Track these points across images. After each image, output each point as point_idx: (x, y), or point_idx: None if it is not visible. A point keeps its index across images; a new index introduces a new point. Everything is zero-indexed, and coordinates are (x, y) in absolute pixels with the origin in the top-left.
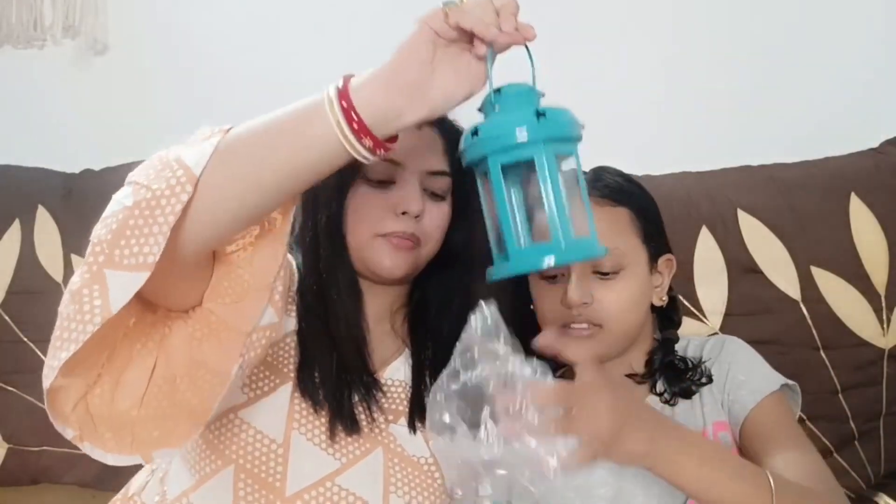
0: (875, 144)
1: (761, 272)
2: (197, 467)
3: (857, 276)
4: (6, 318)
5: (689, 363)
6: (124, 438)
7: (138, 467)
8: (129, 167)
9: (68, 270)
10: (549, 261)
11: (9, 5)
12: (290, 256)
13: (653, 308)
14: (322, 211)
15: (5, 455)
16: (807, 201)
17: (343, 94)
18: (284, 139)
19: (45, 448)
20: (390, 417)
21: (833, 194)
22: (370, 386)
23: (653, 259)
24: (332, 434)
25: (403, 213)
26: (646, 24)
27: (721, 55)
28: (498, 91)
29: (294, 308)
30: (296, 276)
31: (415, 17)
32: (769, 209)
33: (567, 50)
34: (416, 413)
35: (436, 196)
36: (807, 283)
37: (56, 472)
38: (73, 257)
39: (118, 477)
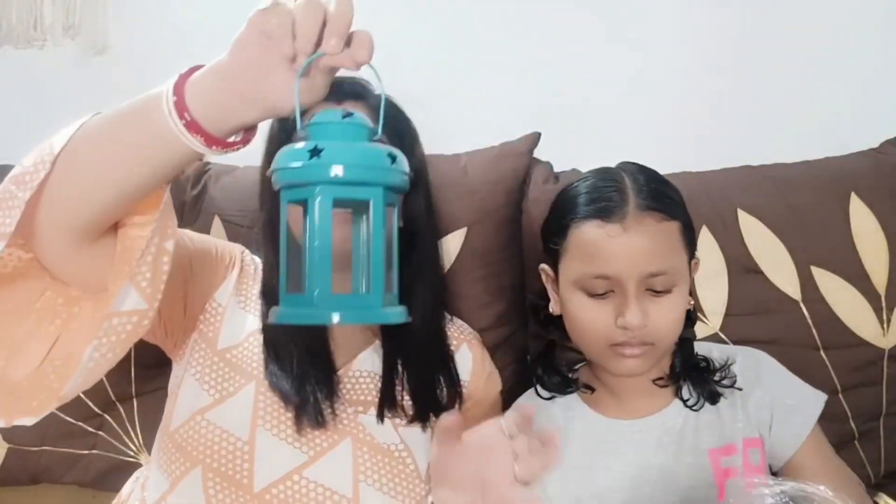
0: (875, 144)
1: (761, 272)
2: (169, 471)
3: (857, 276)
4: None
5: (713, 364)
6: (2, 403)
7: (136, 469)
8: None
9: None
10: (336, 317)
11: (9, 5)
12: (255, 257)
13: None
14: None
15: (5, 455)
16: (807, 201)
17: (178, 87)
18: (126, 130)
19: (45, 448)
20: (360, 408)
21: (833, 194)
22: (332, 382)
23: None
24: (298, 428)
25: None
26: (645, 25)
27: (721, 55)
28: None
29: (258, 307)
30: (258, 275)
31: (415, 17)
32: (769, 209)
33: (567, 50)
34: (386, 403)
35: None
36: (807, 282)
37: (56, 472)
38: None
39: (118, 477)
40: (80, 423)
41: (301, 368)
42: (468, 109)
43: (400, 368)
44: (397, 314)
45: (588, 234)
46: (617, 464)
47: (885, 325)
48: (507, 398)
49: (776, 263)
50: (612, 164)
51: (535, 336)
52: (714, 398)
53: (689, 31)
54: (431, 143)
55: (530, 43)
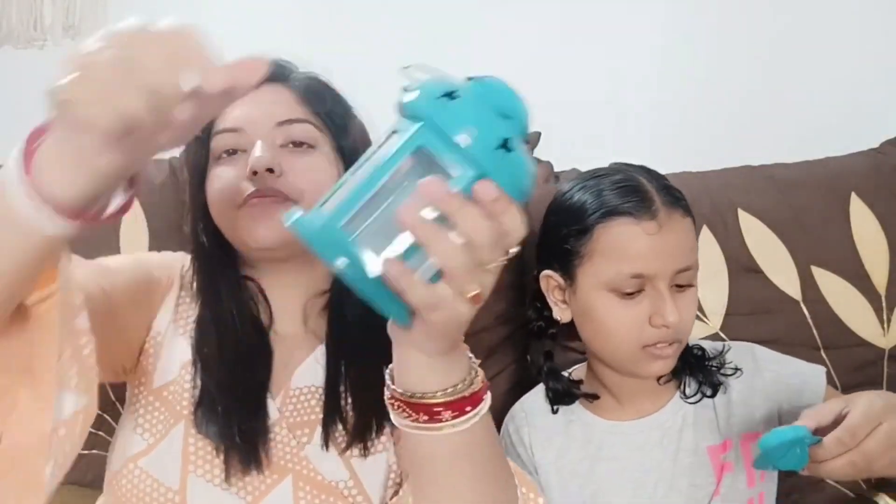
0: (875, 144)
1: (762, 272)
2: None
3: (857, 276)
4: None
5: (707, 353)
6: None
7: None
8: None
9: None
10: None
11: (9, 5)
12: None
13: None
14: (194, 219)
15: None
16: (807, 201)
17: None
18: None
19: None
20: (304, 435)
21: (833, 194)
22: (265, 418)
23: None
24: (227, 474)
25: (254, 174)
26: (645, 24)
27: (721, 55)
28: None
29: (191, 335)
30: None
31: (415, 17)
32: (769, 209)
33: (567, 50)
34: (329, 421)
35: (298, 145)
36: (807, 282)
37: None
38: (73, 257)
39: None
40: None
41: (229, 403)
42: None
43: (346, 381)
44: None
45: (622, 233)
46: (617, 467)
47: (885, 326)
48: (507, 398)
49: (776, 263)
50: (612, 164)
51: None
52: (715, 389)
53: (689, 32)
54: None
55: (530, 42)
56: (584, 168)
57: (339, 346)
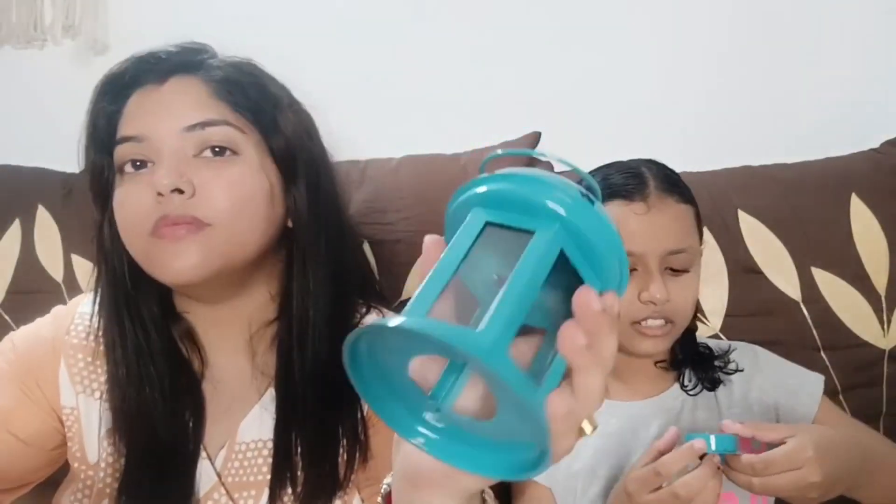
0: (875, 144)
1: (762, 273)
2: None
3: (857, 276)
4: (6, 317)
5: (714, 351)
6: None
7: None
8: None
9: (68, 270)
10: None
11: (9, 5)
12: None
13: None
14: (100, 246)
15: None
16: (807, 202)
17: None
18: None
19: None
20: (249, 501)
21: (834, 195)
22: (193, 493)
23: None
24: None
25: (160, 195)
26: (645, 24)
27: (720, 55)
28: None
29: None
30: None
31: (415, 17)
32: (769, 209)
33: (567, 49)
34: (277, 488)
35: (218, 152)
36: (807, 283)
37: (55, 473)
38: (74, 257)
39: None
40: None
41: (154, 480)
42: (468, 109)
43: (295, 432)
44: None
45: (614, 213)
46: (611, 443)
47: (885, 326)
48: None
49: (776, 264)
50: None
51: None
52: (714, 384)
53: (689, 31)
54: (432, 143)
55: (530, 42)
56: (584, 168)
57: (291, 387)
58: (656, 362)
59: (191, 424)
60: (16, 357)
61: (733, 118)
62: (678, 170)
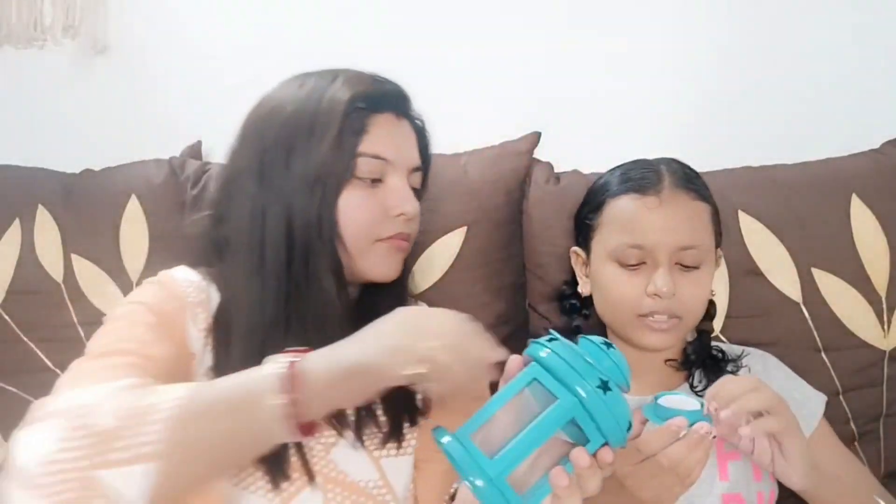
0: (875, 145)
1: (762, 274)
2: None
3: (857, 277)
4: (6, 318)
5: (727, 355)
6: None
7: None
8: (129, 167)
9: (68, 270)
10: None
11: (9, 5)
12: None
13: None
14: (300, 219)
15: (5, 455)
16: (807, 202)
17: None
18: (228, 427)
19: None
20: (331, 439)
21: (834, 195)
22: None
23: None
24: (271, 479)
25: (401, 214)
26: (646, 25)
27: (721, 55)
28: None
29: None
30: (214, 304)
31: (415, 16)
32: (770, 210)
33: (568, 49)
34: (364, 424)
35: (415, 192)
36: (807, 284)
37: None
38: (74, 257)
39: None
40: None
41: None
42: (468, 109)
43: None
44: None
45: (625, 206)
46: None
47: (885, 327)
48: None
49: (777, 265)
50: (613, 165)
51: (535, 336)
52: None
53: (689, 32)
54: (432, 143)
55: (531, 42)
56: (584, 169)
57: None
58: (667, 360)
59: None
60: (153, 310)
61: (733, 118)
62: None
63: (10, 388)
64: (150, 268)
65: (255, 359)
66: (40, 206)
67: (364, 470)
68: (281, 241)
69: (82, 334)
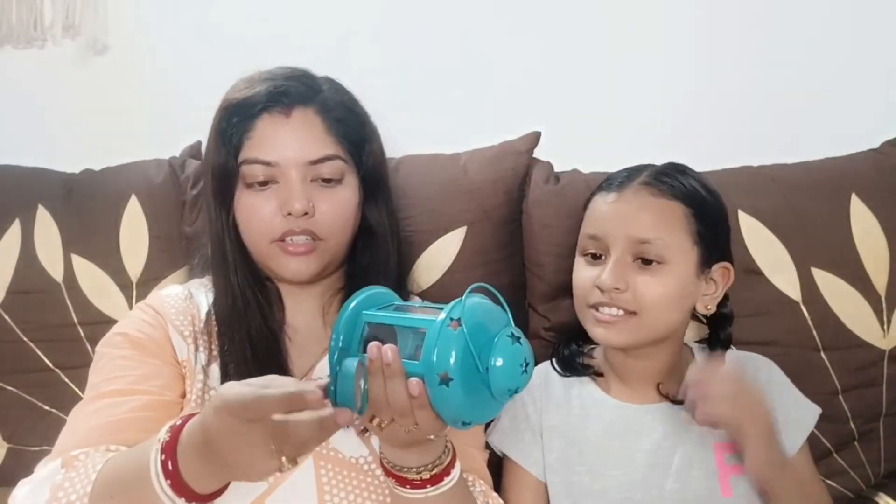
0: (875, 144)
1: (762, 273)
2: None
3: (857, 277)
4: (6, 318)
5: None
6: None
7: None
8: (129, 167)
9: (68, 270)
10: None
11: (9, 5)
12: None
13: (701, 317)
14: (213, 228)
15: (5, 455)
16: (807, 202)
17: (168, 468)
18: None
19: (45, 448)
20: None
21: (834, 195)
22: None
23: (705, 263)
24: None
25: (289, 214)
26: (646, 25)
27: (721, 56)
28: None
29: (205, 345)
30: (203, 315)
31: (415, 16)
32: (769, 210)
33: (568, 49)
34: None
35: (327, 182)
36: (807, 284)
37: None
38: (74, 257)
39: None
40: None
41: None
42: (468, 109)
43: None
44: None
45: (593, 201)
46: (618, 445)
47: (885, 327)
48: None
49: (776, 265)
50: (613, 165)
51: (535, 336)
52: None
53: (690, 32)
54: (432, 143)
55: (531, 42)
56: (584, 168)
57: None
58: (670, 398)
59: (276, 354)
60: (131, 343)
61: (733, 119)
62: None
63: (10, 387)
64: (150, 267)
65: (241, 342)
66: (40, 206)
67: (355, 447)
68: (216, 248)
69: (82, 334)
